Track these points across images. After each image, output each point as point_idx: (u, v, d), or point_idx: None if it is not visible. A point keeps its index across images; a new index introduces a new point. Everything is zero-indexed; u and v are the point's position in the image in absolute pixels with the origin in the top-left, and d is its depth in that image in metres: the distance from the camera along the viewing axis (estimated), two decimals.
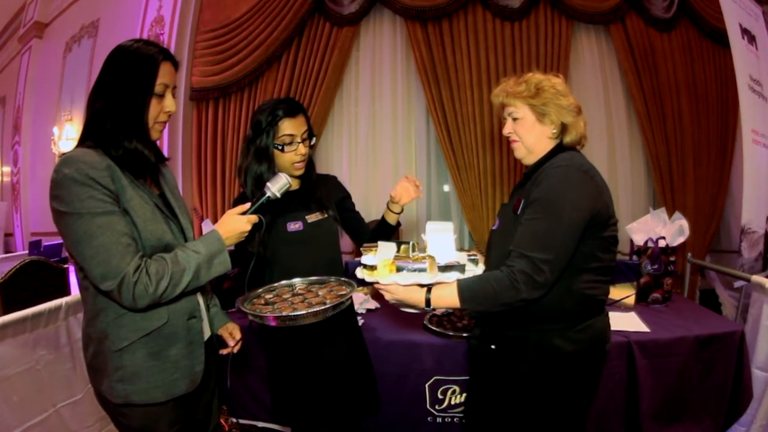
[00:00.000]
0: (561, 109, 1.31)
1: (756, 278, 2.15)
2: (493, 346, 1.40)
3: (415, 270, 1.27)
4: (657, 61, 3.58)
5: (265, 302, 1.36)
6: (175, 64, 1.18)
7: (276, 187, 1.32)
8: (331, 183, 1.72)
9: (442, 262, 1.29)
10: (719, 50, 3.63)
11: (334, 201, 1.67)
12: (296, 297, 1.37)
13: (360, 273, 1.34)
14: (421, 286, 1.27)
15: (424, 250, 1.37)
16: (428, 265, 1.27)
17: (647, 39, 3.58)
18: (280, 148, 1.50)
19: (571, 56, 3.59)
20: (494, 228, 1.47)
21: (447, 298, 1.26)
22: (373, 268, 1.30)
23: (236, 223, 1.23)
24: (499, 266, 1.26)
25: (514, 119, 1.37)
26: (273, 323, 1.26)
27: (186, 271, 1.11)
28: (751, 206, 2.95)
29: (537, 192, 1.26)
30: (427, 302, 1.27)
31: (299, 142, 1.51)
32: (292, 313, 1.24)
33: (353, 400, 1.66)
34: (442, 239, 1.37)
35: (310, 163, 1.62)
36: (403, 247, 1.36)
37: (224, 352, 1.42)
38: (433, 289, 1.27)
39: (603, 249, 1.29)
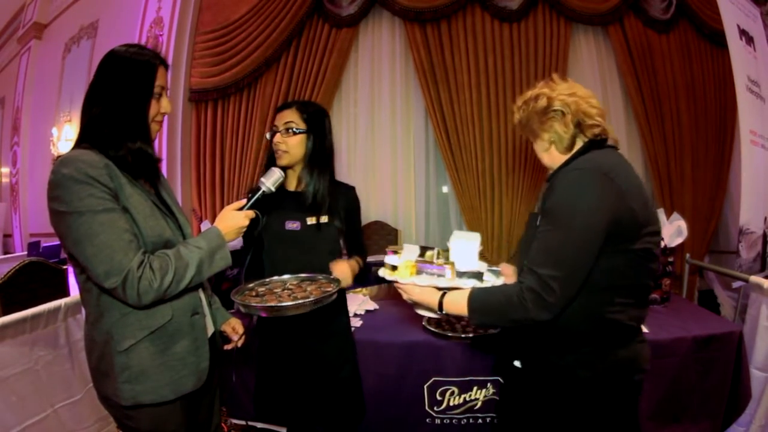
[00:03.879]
0: (543, 124, 1.26)
1: (754, 279, 2.15)
2: (516, 363, 1.34)
3: (433, 273, 1.29)
4: (655, 62, 3.59)
5: (256, 294, 1.41)
6: (167, 67, 1.23)
7: (270, 181, 1.38)
8: (347, 193, 1.70)
9: (462, 269, 1.28)
10: (717, 51, 3.64)
11: (343, 210, 1.65)
12: (285, 291, 1.42)
13: (382, 272, 1.37)
14: (439, 289, 1.27)
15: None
16: (448, 270, 1.28)
17: (645, 40, 3.59)
18: (268, 137, 1.60)
19: (569, 57, 3.60)
20: (522, 238, 1.43)
21: (458, 304, 1.23)
22: (395, 268, 1.33)
23: (234, 219, 1.26)
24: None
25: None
26: (263, 314, 1.33)
27: (189, 266, 1.13)
28: (750, 207, 2.95)
29: (550, 200, 1.17)
30: (440, 306, 1.25)
31: (278, 132, 1.57)
32: (276, 304, 1.30)
33: (336, 405, 1.65)
34: (465, 247, 1.35)
35: (316, 165, 1.60)
36: (428, 253, 1.37)
37: (228, 347, 1.44)
38: (447, 294, 1.26)
39: (632, 265, 1.14)
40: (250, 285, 1.47)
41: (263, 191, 1.37)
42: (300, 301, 1.30)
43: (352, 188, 1.73)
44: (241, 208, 1.30)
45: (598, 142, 1.23)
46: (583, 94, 1.24)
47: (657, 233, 1.17)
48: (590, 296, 1.15)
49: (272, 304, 1.31)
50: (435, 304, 1.26)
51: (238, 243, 2.76)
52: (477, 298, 1.21)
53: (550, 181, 1.25)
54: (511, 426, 1.41)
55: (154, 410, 1.17)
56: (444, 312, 1.27)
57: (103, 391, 1.19)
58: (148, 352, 1.15)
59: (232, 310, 2.25)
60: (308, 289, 1.42)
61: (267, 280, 1.51)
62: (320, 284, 1.46)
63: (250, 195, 1.35)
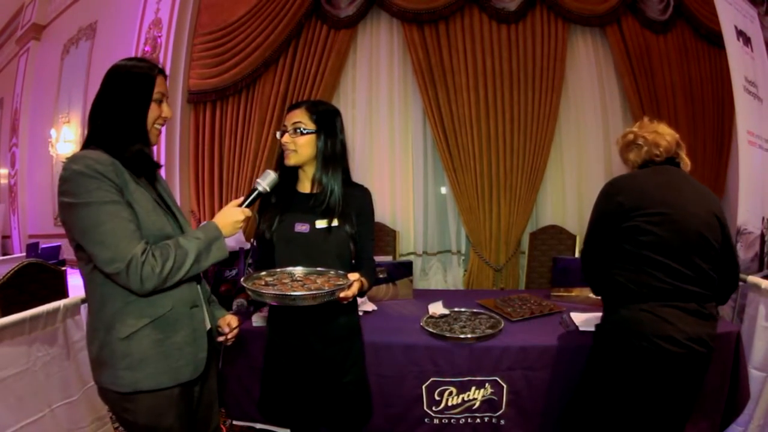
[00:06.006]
0: (627, 153, 1.76)
1: (752, 279, 2.16)
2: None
3: None
4: (653, 63, 3.59)
5: (266, 284, 1.41)
6: (165, 76, 1.33)
7: (265, 182, 1.43)
8: (360, 195, 1.67)
9: None
10: (715, 52, 3.64)
11: (355, 213, 1.61)
12: (296, 282, 1.41)
13: None
14: None
15: None
16: None
17: (643, 41, 3.59)
18: (278, 136, 1.61)
19: (567, 58, 3.60)
20: None
21: None
22: None
23: (232, 214, 1.34)
24: None
25: None
26: (272, 302, 1.34)
27: (188, 255, 1.20)
28: (747, 207, 2.96)
29: None
30: None
31: (287, 132, 1.57)
32: (289, 293, 1.30)
33: (343, 408, 1.64)
34: None
35: (330, 165, 1.58)
36: None
37: (220, 339, 1.47)
38: None
39: (626, 239, 1.56)
40: (260, 273, 1.48)
41: (259, 191, 1.42)
42: (314, 292, 1.31)
43: (366, 190, 1.69)
44: (240, 205, 1.37)
45: (652, 163, 1.68)
46: (662, 131, 1.68)
47: (656, 214, 1.51)
48: (607, 264, 1.62)
49: (286, 292, 1.31)
50: None
51: (236, 244, 2.76)
52: None
53: None
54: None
55: (151, 401, 1.21)
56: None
57: (102, 381, 1.23)
58: (148, 340, 1.20)
59: (231, 312, 2.26)
60: (318, 281, 1.42)
61: (275, 270, 1.51)
62: (329, 277, 1.45)
63: (247, 194, 1.41)
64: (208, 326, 1.38)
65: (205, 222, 1.33)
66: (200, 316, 1.33)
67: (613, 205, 1.59)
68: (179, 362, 1.24)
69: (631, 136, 1.75)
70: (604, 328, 1.66)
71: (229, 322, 1.49)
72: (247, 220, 1.37)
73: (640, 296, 1.52)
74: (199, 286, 1.37)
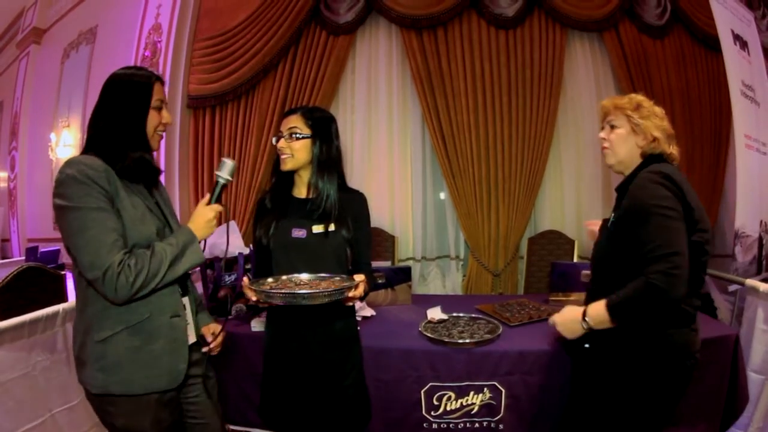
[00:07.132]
0: (656, 126, 1.44)
1: (750, 282, 2.17)
2: (586, 345, 1.51)
3: None
4: (650, 68, 3.62)
5: (271, 288, 1.42)
6: (163, 83, 1.37)
7: (224, 172, 1.42)
8: (356, 199, 1.67)
9: None
10: (712, 56, 3.67)
11: (351, 218, 1.62)
12: (300, 286, 1.43)
13: None
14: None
15: None
16: None
17: (640, 46, 3.62)
18: (274, 141, 1.61)
19: (565, 63, 3.62)
20: (596, 241, 1.64)
21: (599, 313, 1.40)
22: None
23: (203, 213, 1.35)
24: (599, 277, 1.52)
25: (612, 127, 1.51)
26: (281, 303, 1.35)
27: (163, 262, 1.21)
28: (745, 210, 2.97)
29: (628, 200, 1.38)
30: (584, 316, 1.44)
31: (282, 137, 1.58)
32: (300, 291, 1.32)
33: (342, 411, 1.64)
34: None
35: (325, 170, 1.59)
36: None
37: (204, 349, 1.47)
38: (588, 307, 1.44)
39: (690, 254, 1.31)
40: (268, 279, 1.49)
41: (221, 183, 1.42)
42: (322, 290, 1.32)
43: (362, 195, 1.70)
44: (208, 203, 1.39)
45: (662, 160, 1.46)
46: None
47: (707, 231, 1.37)
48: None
49: (296, 291, 1.32)
50: (578, 317, 1.46)
51: (235, 249, 2.75)
52: (615, 304, 1.37)
53: (621, 188, 1.49)
54: (584, 400, 1.58)
55: (128, 406, 1.24)
56: (588, 322, 1.44)
57: (80, 378, 1.27)
58: (123, 346, 1.22)
59: (230, 316, 2.26)
60: (323, 284, 1.43)
61: (280, 276, 1.51)
62: (333, 281, 1.46)
63: (212, 189, 1.41)
64: (192, 339, 1.39)
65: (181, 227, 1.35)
66: (181, 326, 1.33)
67: (684, 207, 1.33)
68: (154, 371, 1.26)
69: (670, 129, 1.49)
70: (642, 351, 1.41)
71: (213, 330, 1.49)
72: (218, 215, 1.39)
73: (692, 318, 1.43)
74: (187, 297, 1.38)
